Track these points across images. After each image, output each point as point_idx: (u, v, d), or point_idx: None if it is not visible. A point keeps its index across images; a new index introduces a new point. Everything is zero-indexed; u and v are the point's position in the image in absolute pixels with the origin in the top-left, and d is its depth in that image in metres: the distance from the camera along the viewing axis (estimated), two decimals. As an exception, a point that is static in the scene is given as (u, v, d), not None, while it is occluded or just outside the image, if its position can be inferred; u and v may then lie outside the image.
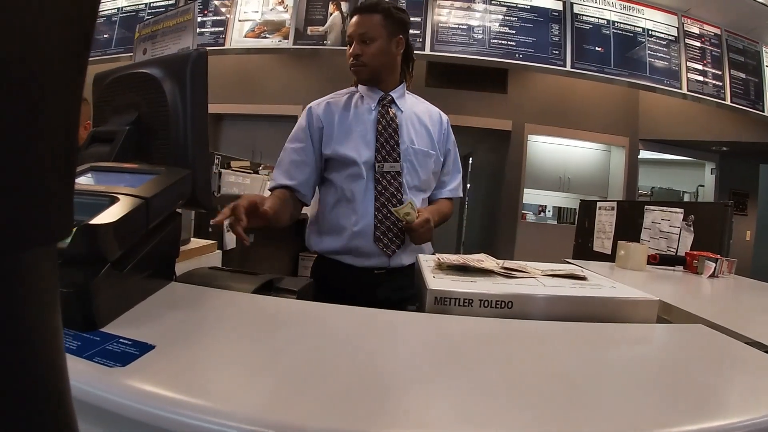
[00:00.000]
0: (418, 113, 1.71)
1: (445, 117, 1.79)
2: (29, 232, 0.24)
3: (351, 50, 1.60)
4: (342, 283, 1.56)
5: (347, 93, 1.71)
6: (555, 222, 6.94)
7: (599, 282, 1.00)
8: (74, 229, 0.62)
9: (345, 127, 1.61)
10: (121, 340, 0.59)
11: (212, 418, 0.44)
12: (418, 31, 5.16)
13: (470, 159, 6.99)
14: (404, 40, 1.67)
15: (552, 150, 6.85)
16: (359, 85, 1.70)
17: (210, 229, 1.67)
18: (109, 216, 0.65)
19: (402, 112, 1.66)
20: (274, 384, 0.51)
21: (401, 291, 1.55)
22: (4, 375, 0.24)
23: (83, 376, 0.51)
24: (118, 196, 0.70)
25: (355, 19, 1.60)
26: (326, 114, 1.64)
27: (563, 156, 6.88)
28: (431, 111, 1.77)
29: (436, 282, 0.88)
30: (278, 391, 0.49)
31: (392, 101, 1.67)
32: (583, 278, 1.02)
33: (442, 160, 1.74)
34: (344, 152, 1.57)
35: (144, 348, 0.57)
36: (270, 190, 1.62)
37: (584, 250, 3.20)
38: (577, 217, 3.62)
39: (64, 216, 0.26)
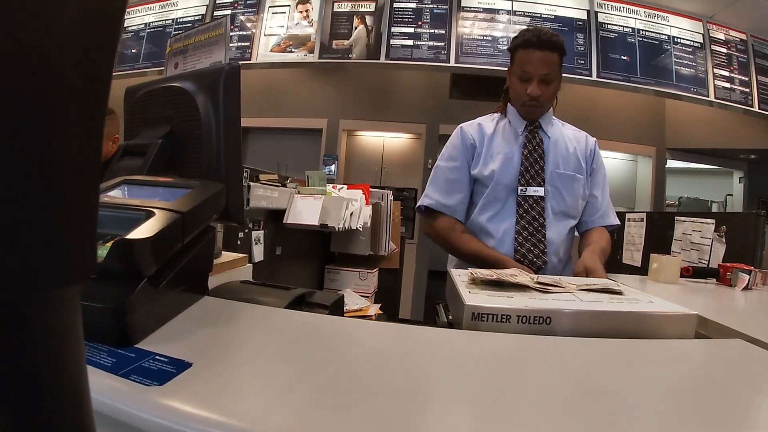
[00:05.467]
0: (566, 138, 1.70)
1: (591, 139, 1.77)
2: (50, 274, 0.23)
3: (530, 89, 1.58)
4: None
5: (495, 117, 1.73)
6: (581, 233, 6.84)
7: (635, 296, 0.97)
8: (111, 243, 0.62)
9: (492, 150, 1.63)
10: (157, 357, 0.58)
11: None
12: (442, 44, 5.16)
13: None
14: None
15: (577, 160, 6.76)
16: (506, 110, 1.71)
17: (239, 242, 1.68)
18: (145, 231, 0.64)
19: (549, 138, 1.66)
20: (316, 405, 0.49)
21: None
22: (27, 414, 0.24)
23: (121, 394, 0.50)
24: (154, 210, 0.70)
25: (537, 55, 1.55)
26: (479, 134, 1.66)
27: (589, 166, 6.79)
28: (578, 136, 1.76)
29: (473, 297, 0.87)
30: (320, 414, 0.48)
31: (539, 126, 1.67)
32: (619, 293, 1.00)
33: (589, 183, 1.72)
34: (488, 174, 1.59)
35: (181, 366, 0.56)
36: (423, 207, 1.67)
37: (613, 263, 3.13)
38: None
39: (87, 254, 0.26)
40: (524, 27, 5.20)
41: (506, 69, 1.72)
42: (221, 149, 0.89)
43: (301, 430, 0.44)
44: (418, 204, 1.74)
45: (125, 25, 6.24)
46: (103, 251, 0.62)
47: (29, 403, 0.24)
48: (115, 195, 0.82)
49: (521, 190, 1.57)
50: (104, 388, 0.51)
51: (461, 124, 1.72)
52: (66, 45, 0.22)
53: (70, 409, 0.26)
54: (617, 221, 1.78)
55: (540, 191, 1.57)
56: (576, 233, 1.75)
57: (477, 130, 1.68)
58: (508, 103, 1.72)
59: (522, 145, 1.62)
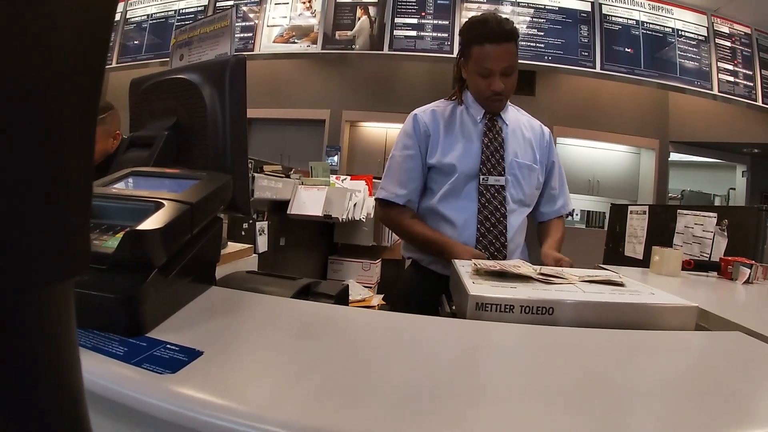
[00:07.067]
0: (522, 126, 1.70)
1: (546, 130, 1.78)
2: (45, 269, 0.24)
3: (493, 85, 1.54)
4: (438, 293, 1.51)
5: (451, 103, 1.70)
6: (583, 226, 6.83)
7: (637, 288, 0.98)
8: (121, 234, 0.63)
9: (450, 137, 1.62)
10: (168, 346, 0.59)
11: (269, 427, 0.43)
12: (446, 35, 5.15)
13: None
14: None
15: (581, 153, 6.76)
16: (464, 96, 1.69)
17: (243, 233, 1.69)
18: (156, 221, 0.65)
19: (507, 125, 1.66)
20: (326, 393, 0.50)
21: None
22: (22, 410, 0.25)
23: (134, 383, 0.51)
24: (164, 201, 0.70)
25: (495, 50, 1.50)
26: (433, 122, 1.64)
27: (592, 159, 6.79)
28: (533, 124, 1.76)
29: (477, 288, 0.88)
30: (330, 400, 0.49)
31: (497, 114, 1.66)
32: (621, 284, 1.00)
33: (544, 173, 1.73)
34: (449, 162, 1.58)
35: (192, 354, 0.57)
36: (381, 199, 1.68)
37: (615, 255, 3.14)
38: (607, 221, 3.56)
39: (82, 250, 0.26)
40: (528, 18, 5.21)
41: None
42: (227, 141, 0.89)
43: (312, 416, 0.45)
44: (376, 195, 1.75)
45: (127, 17, 6.22)
46: (114, 242, 0.63)
47: (24, 398, 0.25)
48: (123, 186, 0.83)
49: (483, 179, 1.56)
50: (117, 376, 0.51)
51: (415, 111, 1.70)
52: (65, 37, 0.22)
53: (65, 401, 0.27)
54: (572, 206, 1.89)
55: (501, 180, 1.57)
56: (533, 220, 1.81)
57: (431, 117, 1.65)
58: (466, 91, 1.69)
59: (482, 134, 1.61)
